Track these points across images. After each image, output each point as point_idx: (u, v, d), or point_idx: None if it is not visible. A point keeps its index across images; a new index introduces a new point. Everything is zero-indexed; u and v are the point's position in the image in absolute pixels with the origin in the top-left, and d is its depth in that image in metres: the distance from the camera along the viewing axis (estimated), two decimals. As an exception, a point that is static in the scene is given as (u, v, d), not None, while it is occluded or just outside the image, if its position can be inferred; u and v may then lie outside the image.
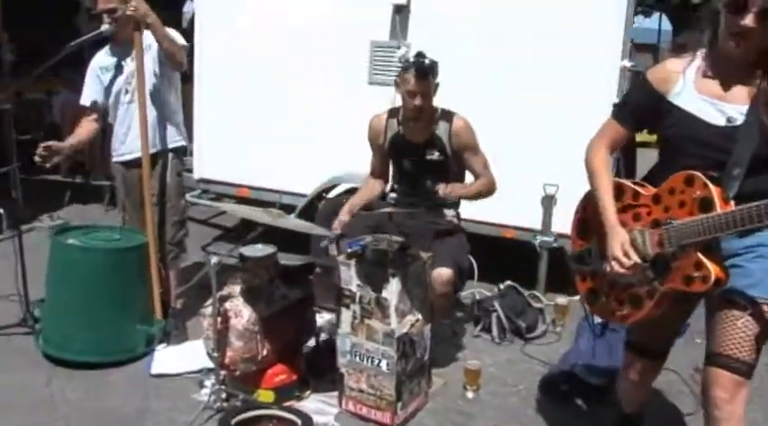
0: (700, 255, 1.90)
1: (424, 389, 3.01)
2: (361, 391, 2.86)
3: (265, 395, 2.90)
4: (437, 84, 3.13)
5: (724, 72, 1.97)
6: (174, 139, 3.53)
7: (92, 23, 5.22)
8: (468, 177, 3.29)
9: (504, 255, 4.23)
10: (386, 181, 3.40)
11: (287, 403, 2.88)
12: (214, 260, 2.76)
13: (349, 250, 2.81)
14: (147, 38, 3.30)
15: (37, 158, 3.28)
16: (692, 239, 1.90)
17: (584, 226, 2.30)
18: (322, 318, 3.38)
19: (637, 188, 2.11)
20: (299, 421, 2.60)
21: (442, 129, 3.16)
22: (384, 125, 3.30)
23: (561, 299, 3.95)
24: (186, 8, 6.74)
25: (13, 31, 6.69)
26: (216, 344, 2.81)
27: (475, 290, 4.12)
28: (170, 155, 3.51)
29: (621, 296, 2.14)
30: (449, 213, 3.28)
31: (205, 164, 4.79)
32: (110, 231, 3.46)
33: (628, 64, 4.17)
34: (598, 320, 2.59)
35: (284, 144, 4.53)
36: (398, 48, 4.15)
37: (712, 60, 1.99)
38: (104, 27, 3.28)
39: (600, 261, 2.18)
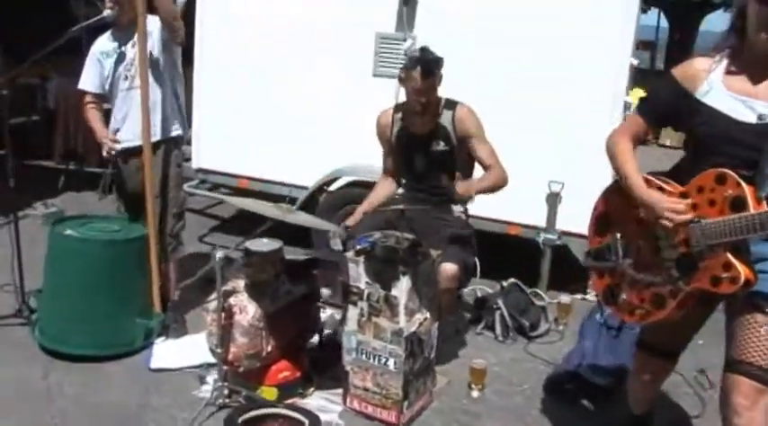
0: (729, 256, 1.86)
1: (429, 388, 2.97)
2: (366, 389, 2.81)
3: (268, 392, 2.85)
4: (441, 76, 3.08)
5: (753, 68, 1.93)
6: (174, 128, 3.45)
7: (88, 9, 5.12)
8: (478, 170, 3.24)
9: (505, 252, 4.19)
10: (400, 179, 3.35)
11: (290, 401, 2.83)
12: (219, 254, 2.69)
13: (358, 246, 2.75)
14: (149, 24, 3.23)
15: (105, 153, 3.31)
16: (721, 239, 1.86)
17: (604, 222, 2.27)
18: (325, 313, 3.33)
19: (662, 184, 2.07)
20: (306, 421, 2.54)
21: (446, 119, 3.12)
22: (390, 120, 3.25)
23: (564, 298, 3.92)
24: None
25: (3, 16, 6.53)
26: (219, 340, 2.75)
27: (477, 287, 4.09)
28: (170, 145, 3.43)
29: (643, 294, 2.11)
30: (456, 209, 3.24)
31: (204, 154, 4.69)
32: (108, 221, 3.38)
33: (635, 61, 4.15)
34: (613, 320, 2.56)
35: (286, 135, 4.45)
36: (405, 40, 4.13)
37: (741, 56, 1.95)
38: (107, 12, 3.22)
39: (622, 257, 2.15)
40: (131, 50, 3.29)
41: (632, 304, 2.14)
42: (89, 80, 3.40)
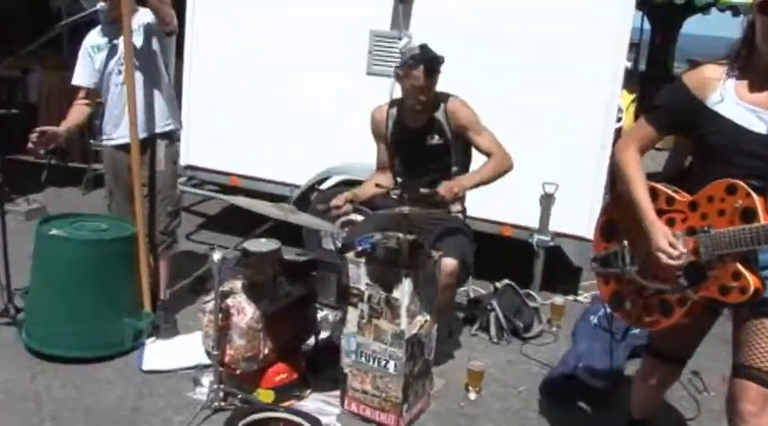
0: (738, 266, 1.86)
1: (427, 390, 2.95)
2: (365, 392, 2.78)
3: (265, 395, 2.81)
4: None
5: (764, 79, 1.93)
6: (167, 123, 3.38)
7: (73, 4, 5.01)
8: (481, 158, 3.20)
9: (498, 253, 4.18)
10: (393, 174, 3.31)
11: (287, 403, 2.79)
12: (217, 255, 2.64)
13: (359, 248, 2.71)
14: (140, 18, 3.16)
15: (30, 145, 3.12)
16: (731, 249, 1.86)
17: (611, 229, 2.26)
18: (321, 312, 3.29)
19: (671, 192, 2.07)
20: None
21: (440, 112, 3.10)
22: (385, 115, 3.23)
23: (558, 299, 3.92)
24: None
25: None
26: (216, 342, 2.70)
27: (470, 288, 4.07)
28: (164, 142, 3.36)
29: (650, 302, 2.10)
30: (454, 208, 3.21)
31: (194, 151, 4.61)
32: (97, 220, 3.31)
33: (628, 64, 4.17)
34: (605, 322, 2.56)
35: (278, 132, 4.39)
36: (399, 38, 4.09)
37: (752, 67, 1.95)
38: (99, 5, 3.14)
39: (630, 264, 2.14)
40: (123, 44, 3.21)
41: (639, 311, 2.14)
42: (81, 76, 3.32)
